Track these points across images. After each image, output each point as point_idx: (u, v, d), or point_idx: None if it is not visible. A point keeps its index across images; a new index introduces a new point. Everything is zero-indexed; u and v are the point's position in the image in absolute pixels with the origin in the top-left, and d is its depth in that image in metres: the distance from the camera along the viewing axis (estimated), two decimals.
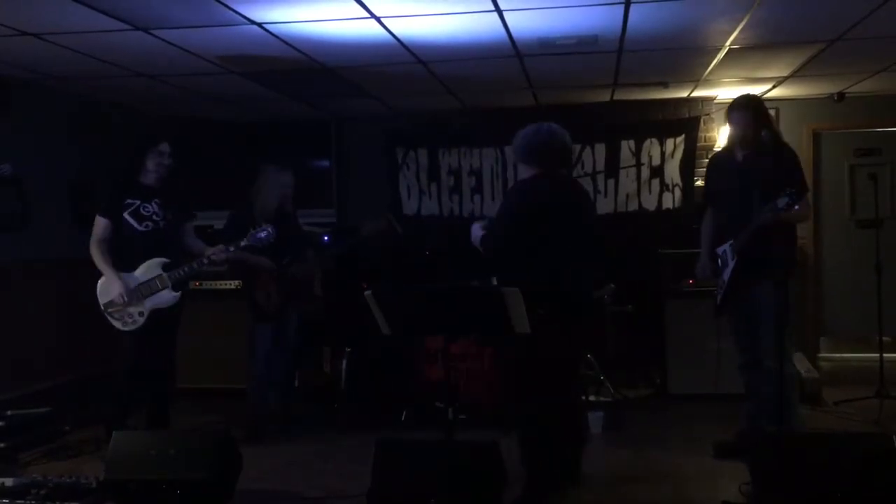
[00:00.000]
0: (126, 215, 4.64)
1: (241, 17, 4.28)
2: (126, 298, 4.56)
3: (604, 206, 7.01)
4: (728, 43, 5.05)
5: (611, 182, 7.01)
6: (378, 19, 4.40)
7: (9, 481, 3.83)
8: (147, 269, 4.63)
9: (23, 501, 3.68)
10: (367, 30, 4.57)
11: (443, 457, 3.53)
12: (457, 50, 5.05)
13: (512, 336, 3.58)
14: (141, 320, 4.60)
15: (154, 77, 5.64)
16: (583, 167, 7.03)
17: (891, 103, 6.88)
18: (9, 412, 5.02)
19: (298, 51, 4.98)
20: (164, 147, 4.71)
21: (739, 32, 4.77)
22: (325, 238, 6.75)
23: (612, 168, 6.98)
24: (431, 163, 7.28)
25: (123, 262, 4.63)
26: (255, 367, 5.26)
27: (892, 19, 4.51)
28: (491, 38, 4.80)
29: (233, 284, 6.27)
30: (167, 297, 4.64)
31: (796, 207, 3.97)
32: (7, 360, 5.49)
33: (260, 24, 4.43)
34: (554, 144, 4.18)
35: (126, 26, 4.37)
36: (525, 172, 4.22)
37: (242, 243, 4.74)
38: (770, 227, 4.00)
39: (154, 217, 4.68)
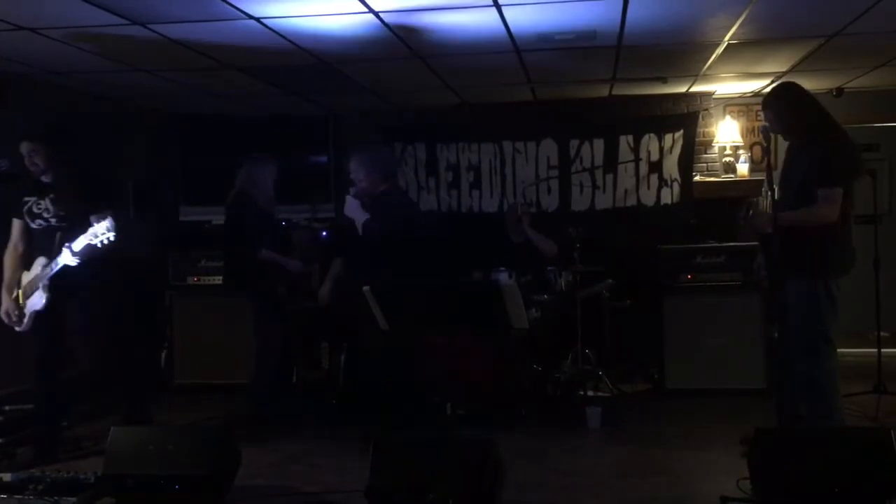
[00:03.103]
0: (24, 213, 4.60)
1: (238, 12, 4.27)
2: (12, 318, 4.58)
3: (602, 201, 7.02)
4: (727, 38, 5.04)
5: (609, 177, 7.01)
6: (376, 14, 4.39)
7: (7, 476, 3.84)
8: (33, 270, 4.57)
9: (21, 496, 3.68)
10: (365, 24, 4.56)
11: (441, 452, 3.53)
12: (455, 45, 5.04)
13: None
14: (27, 322, 4.59)
15: (151, 72, 5.63)
16: (581, 162, 7.03)
17: (889, 99, 6.87)
18: (7, 408, 5.01)
19: (296, 45, 4.97)
20: (22, 149, 4.54)
21: (738, 27, 4.76)
22: (324, 234, 6.76)
23: (611, 163, 6.98)
24: (429, 158, 7.27)
25: (27, 261, 4.64)
26: (271, 363, 5.25)
27: (891, 15, 4.50)
28: (489, 33, 4.79)
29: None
30: (37, 299, 4.53)
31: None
32: (6, 355, 5.47)
33: (258, 19, 4.42)
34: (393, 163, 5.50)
35: (123, 21, 4.36)
36: (380, 185, 5.04)
37: (76, 247, 4.29)
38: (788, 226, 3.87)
39: (45, 214, 4.56)
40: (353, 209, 4.92)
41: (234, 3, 4.11)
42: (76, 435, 5.04)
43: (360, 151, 5.15)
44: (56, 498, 3.65)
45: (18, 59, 5.13)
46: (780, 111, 4.11)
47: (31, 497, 3.67)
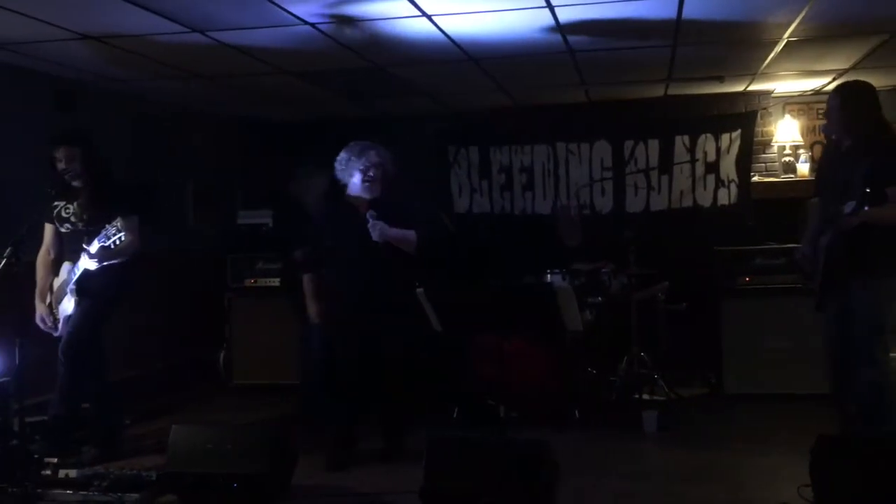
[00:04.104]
0: (54, 217, 4.65)
1: (294, 18, 4.33)
2: (48, 324, 4.65)
3: (657, 202, 6.93)
4: (786, 35, 4.93)
5: (664, 178, 6.91)
6: (429, 17, 4.41)
7: (73, 473, 3.96)
8: (61, 275, 4.64)
9: (86, 492, 3.80)
10: (419, 28, 4.58)
11: (495, 454, 3.53)
12: (508, 46, 5.03)
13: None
14: (59, 327, 4.64)
15: (210, 78, 5.75)
16: (636, 163, 6.95)
17: None
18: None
19: (351, 50, 5.02)
20: (59, 153, 4.55)
21: (798, 24, 4.66)
22: None
23: (666, 164, 6.88)
24: (482, 160, 7.27)
25: (58, 266, 4.71)
26: (311, 363, 5.32)
27: None
28: (542, 34, 4.78)
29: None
30: (68, 304, 4.59)
31: (865, 208, 3.67)
32: (55, 359, 5.60)
33: (313, 25, 4.48)
34: None
35: (183, 29, 4.46)
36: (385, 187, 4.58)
37: (92, 250, 4.34)
38: (853, 229, 3.80)
39: (72, 218, 4.60)
40: (382, 230, 4.43)
41: (290, 9, 4.17)
42: (138, 433, 5.17)
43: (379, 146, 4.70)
44: (119, 494, 3.75)
45: (83, 66, 5.28)
46: (836, 107, 4.06)
47: (96, 493, 3.79)
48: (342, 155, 4.59)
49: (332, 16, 4.29)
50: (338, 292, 4.57)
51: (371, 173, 4.52)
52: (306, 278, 4.72)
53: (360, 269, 4.49)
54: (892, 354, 3.99)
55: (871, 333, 3.91)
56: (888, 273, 3.91)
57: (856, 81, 4.21)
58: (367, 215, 4.41)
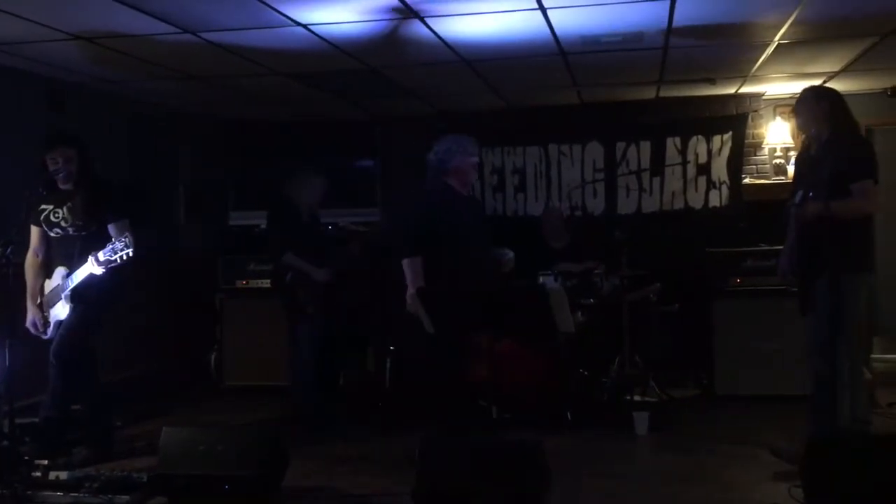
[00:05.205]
0: (41, 221, 4.57)
1: (286, 19, 4.33)
2: (39, 328, 4.59)
3: (649, 204, 6.95)
4: (777, 38, 4.96)
5: (656, 180, 6.94)
6: (422, 19, 4.41)
7: (63, 475, 3.94)
8: (54, 279, 4.58)
9: (77, 494, 3.79)
10: (411, 29, 4.58)
11: (487, 455, 3.53)
12: (500, 49, 5.04)
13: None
14: (49, 331, 4.59)
15: (202, 79, 5.74)
16: (627, 165, 6.97)
17: None
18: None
19: (344, 52, 5.02)
20: (55, 154, 4.47)
21: (789, 26, 4.68)
22: None
23: (658, 166, 6.91)
24: None
25: (48, 268, 4.65)
26: (302, 366, 5.31)
27: None
28: (535, 37, 4.78)
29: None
30: (61, 309, 4.52)
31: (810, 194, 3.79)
32: (44, 361, 5.57)
33: (305, 26, 4.47)
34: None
35: (175, 29, 4.45)
36: None
37: (101, 258, 4.22)
38: (810, 223, 3.87)
39: (63, 223, 4.51)
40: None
41: (282, 10, 4.17)
42: (129, 434, 5.15)
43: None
44: (110, 496, 3.74)
45: (75, 67, 5.27)
46: (802, 113, 4.18)
47: (86, 495, 3.78)
48: (448, 144, 4.59)
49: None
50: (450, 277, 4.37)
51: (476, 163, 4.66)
52: (415, 261, 4.37)
53: (477, 254, 4.48)
54: (876, 355, 4.03)
55: (830, 330, 3.94)
56: (850, 268, 3.96)
57: (811, 90, 4.32)
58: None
